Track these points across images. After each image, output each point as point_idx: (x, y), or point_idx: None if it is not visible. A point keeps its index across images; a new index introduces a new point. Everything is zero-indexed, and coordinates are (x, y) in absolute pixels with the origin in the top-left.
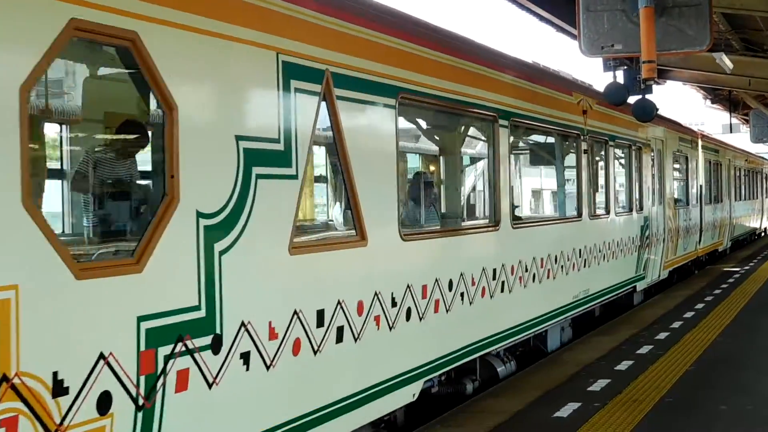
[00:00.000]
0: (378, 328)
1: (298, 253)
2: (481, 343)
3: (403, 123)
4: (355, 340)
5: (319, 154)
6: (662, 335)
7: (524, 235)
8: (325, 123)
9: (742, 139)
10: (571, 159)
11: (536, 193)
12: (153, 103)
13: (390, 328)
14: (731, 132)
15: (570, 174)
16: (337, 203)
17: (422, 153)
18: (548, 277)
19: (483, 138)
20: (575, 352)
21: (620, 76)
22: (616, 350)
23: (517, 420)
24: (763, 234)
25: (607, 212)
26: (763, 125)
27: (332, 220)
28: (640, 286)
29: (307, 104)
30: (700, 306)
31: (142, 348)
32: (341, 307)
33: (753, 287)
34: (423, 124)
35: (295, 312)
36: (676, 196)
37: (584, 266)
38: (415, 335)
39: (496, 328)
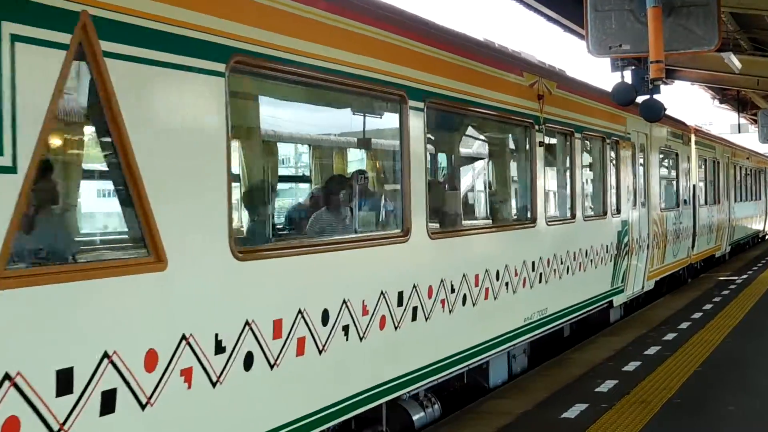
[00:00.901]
0: (189, 387)
1: (15, 285)
2: (383, 387)
3: (248, 101)
4: (143, 406)
5: (74, 137)
6: (670, 336)
7: (448, 247)
8: (87, 93)
9: (750, 139)
10: (520, 153)
11: (473, 195)
12: None
13: (214, 384)
14: (739, 132)
15: (520, 171)
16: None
17: (296, 141)
18: (486, 297)
19: (387, 124)
20: (583, 353)
21: (628, 77)
22: (624, 351)
23: (525, 421)
24: (766, 237)
25: (573, 217)
26: None
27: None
28: (618, 300)
29: (39, 62)
30: (708, 306)
31: None
32: (115, 362)
33: (761, 288)
34: (284, 102)
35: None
36: (664, 197)
37: (540, 281)
38: (264, 387)
39: (407, 367)
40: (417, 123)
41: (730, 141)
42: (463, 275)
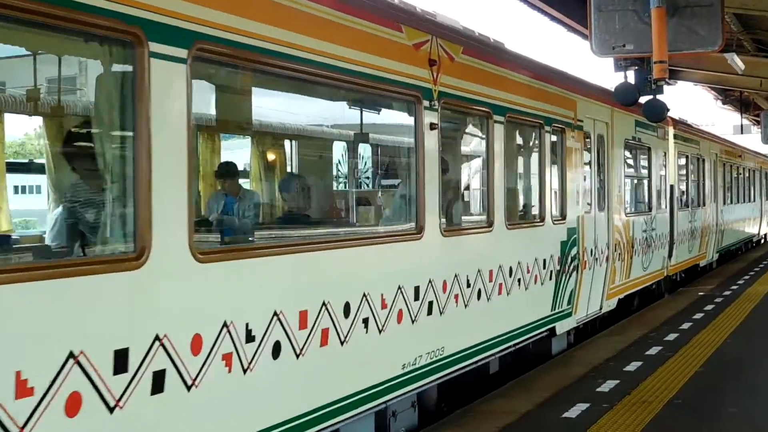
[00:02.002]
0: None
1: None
2: None
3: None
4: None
5: None
6: (671, 336)
7: (253, 275)
8: None
9: (753, 140)
10: (400, 138)
11: (316, 191)
12: None
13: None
14: (742, 133)
15: (398, 165)
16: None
17: None
18: (324, 343)
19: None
20: (585, 353)
21: (631, 77)
22: (625, 351)
23: (526, 420)
24: (762, 241)
25: (489, 225)
26: None
27: None
28: (563, 326)
29: None
30: (709, 307)
31: None
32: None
33: (764, 288)
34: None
35: None
36: (631, 199)
37: (430, 313)
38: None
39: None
40: (177, 84)
41: (718, 136)
42: (274, 315)
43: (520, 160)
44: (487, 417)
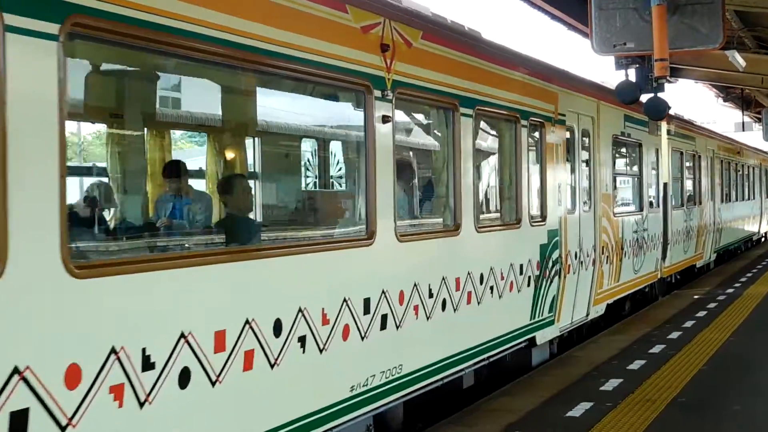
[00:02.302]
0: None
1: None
2: None
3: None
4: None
5: None
6: (675, 334)
7: (150, 291)
8: None
9: (754, 137)
10: (346, 133)
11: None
12: None
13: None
14: (743, 130)
15: (346, 162)
16: None
17: None
18: (249, 368)
19: None
20: (588, 351)
21: (632, 75)
22: (629, 349)
23: (530, 419)
24: (763, 239)
25: (455, 228)
26: None
27: None
28: (545, 336)
29: None
30: (712, 305)
31: None
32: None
33: (764, 288)
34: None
35: None
36: (620, 198)
37: (384, 328)
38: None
39: None
40: (39, 63)
41: (716, 132)
42: (181, 334)
43: (493, 157)
44: (491, 415)
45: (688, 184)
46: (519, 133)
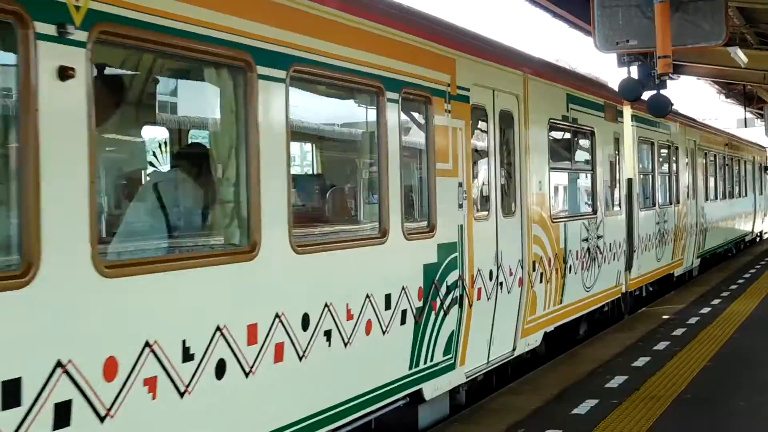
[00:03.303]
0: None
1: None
2: None
3: None
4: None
5: None
6: (679, 331)
7: None
8: None
9: (757, 133)
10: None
11: None
12: None
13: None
14: (746, 126)
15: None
16: None
17: None
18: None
19: None
20: (593, 349)
21: (635, 72)
22: (633, 346)
23: (536, 417)
24: (758, 239)
25: (252, 249)
26: None
27: None
28: (438, 387)
29: None
30: (716, 302)
31: None
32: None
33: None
34: None
35: None
36: (562, 199)
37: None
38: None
39: None
40: None
41: (697, 120)
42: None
43: (330, 143)
44: (497, 414)
45: (661, 181)
46: (381, 110)
